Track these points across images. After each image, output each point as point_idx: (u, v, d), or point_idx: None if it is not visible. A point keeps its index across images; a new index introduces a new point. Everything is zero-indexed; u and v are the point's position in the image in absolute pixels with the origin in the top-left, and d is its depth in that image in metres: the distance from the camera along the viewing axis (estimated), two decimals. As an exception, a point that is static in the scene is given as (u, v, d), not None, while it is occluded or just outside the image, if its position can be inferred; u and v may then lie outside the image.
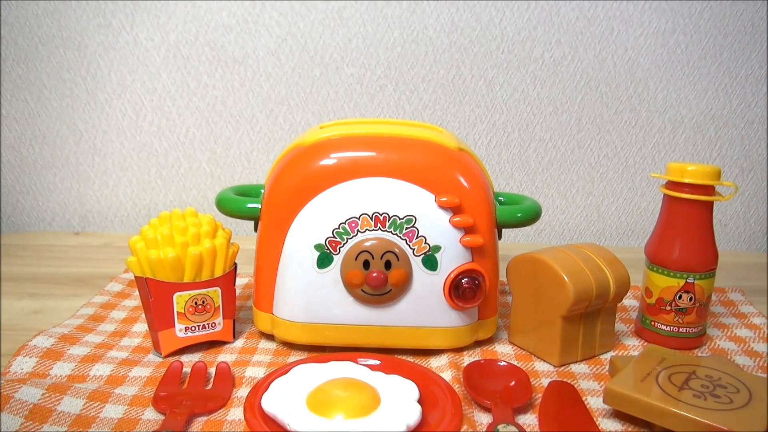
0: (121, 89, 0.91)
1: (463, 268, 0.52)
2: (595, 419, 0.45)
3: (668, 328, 0.56)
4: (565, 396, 0.47)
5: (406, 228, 0.51)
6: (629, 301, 0.68)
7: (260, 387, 0.45)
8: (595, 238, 0.98)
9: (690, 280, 0.55)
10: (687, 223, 0.55)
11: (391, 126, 0.56)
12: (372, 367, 0.48)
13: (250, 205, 0.55)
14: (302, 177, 0.52)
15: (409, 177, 0.51)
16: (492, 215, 0.53)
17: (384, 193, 0.51)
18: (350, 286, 0.51)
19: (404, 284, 0.51)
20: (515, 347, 0.57)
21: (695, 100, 0.93)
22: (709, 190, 0.54)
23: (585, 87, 0.92)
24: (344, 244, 0.51)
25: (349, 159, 0.52)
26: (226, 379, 0.49)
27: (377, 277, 0.50)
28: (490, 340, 0.58)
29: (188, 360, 0.52)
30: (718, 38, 0.90)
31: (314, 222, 0.51)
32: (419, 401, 0.44)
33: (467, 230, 0.52)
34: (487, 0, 0.88)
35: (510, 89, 0.92)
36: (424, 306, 0.52)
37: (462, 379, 0.48)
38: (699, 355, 0.56)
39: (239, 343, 0.56)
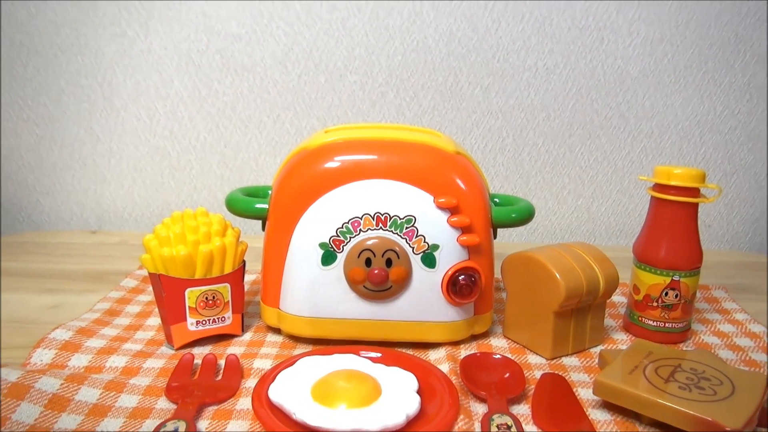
0: (136, 95, 0.91)
1: (460, 265, 0.52)
2: (585, 410, 0.45)
3: (655, 324, 0.56)
4: (556, 387, 0.47)
5: (406, 227, 0.51)
6: (618, 298, 0.68)
7: (267, 378, 0.45)
8: (586, 237, 0.98)
9: (676, 277, 0.55)
10: (673, 223, 0.55)
11: (392, 130, 0.56)
12: (373, 360, 0.48)
13: (258, 206, 0.55)
14: (307, 179, 0.52)
15: (409, 179, 0.51)
16: (488, 215, 0.53)
17: (385, 194, 0.51)
18: (353, 283, 0.51)
19: (404, 281, 0.51)
20: (509, 341, 0.57)
21: (681, 106, 0.93)
22: (694, 192, 0.54)
23: (576, 94, 0.92)
24: (347, 242, 0.51)
25: (352, 162, 0.52)
26: (235, 370, 0.49)
27: (378, 274, 0.50)
28: (485, 334, 0.58)
29: (199, 352, 0.52)
30: (703, 48, 0.90)
31: (319, 221, 0.51)
32: (418, 392, 0.44)
33: (464, 230, 0.52)
34: (483, 11, 0.88)
35: (505, 96, 0.92)
36: (423, 302, 0.52)
37: (459, 371, 0.48)
38: (684, 349, 0.56)
39: (247, 336, 0.57)
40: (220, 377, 0.48)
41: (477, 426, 0.42)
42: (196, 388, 0.46)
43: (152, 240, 0.52)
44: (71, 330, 0.54)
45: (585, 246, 0.55)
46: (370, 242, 0.51)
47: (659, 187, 0.55)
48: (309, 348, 0.54)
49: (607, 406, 0.45)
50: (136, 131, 0.93)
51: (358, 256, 0.51)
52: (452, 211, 0.51)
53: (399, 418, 0.40)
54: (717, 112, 0.93)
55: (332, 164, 0.52)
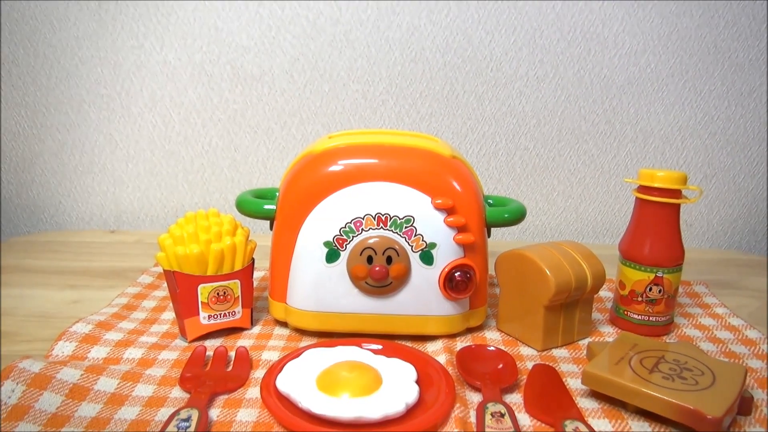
0: (152, 103, 0.91)
1: (456, 263, 0.51)
2: (574, 398, 0.44)
3: (639, 317, 0.56)
4: (547, 377, 0.47)
5: (406, 227, 0.51)
6: (604, 293, 0.68)
7: (275, 369, 0.45)
8: (574, 236, 0.98)
9: (659, 274, 0.55)
10: (656, 222, 0.55)
11: (392, 136, 0.56)
12: (375, 351, 0.48)
13: (266, 207, 0.55)
14: (313, 181, 0.52)
15: (408, 181, 0.51)
16: (482, 216, 0.53)
17: (385, 196, 0.51)
18: (355, 279, 0.51)
19: (404, 277, 0.51)
20: (503, 334, 0.56)
21: (664, 113, 0.92)
22: (676, 193, 0.54)
23: (565, 102, 0.92)
24: (350, 241, 0.51)
25: (355, 165, 0.52)
26: (245, 361, 0.48)
27: (379, 270, 0.50)
28: (480, 328, 0.57)
29: (211, 344, 0.52)
30: (684, 58, 0.90)
31: (323, 221, 0.51)
32: (417, 382, 0.44)
33: (460, 229, 0.52)
34: (477, 25, 0.88)
35: (498, 103, 0.92)
36: (422, 297, 0.52)
37: (455, 362, 0.48)
38: (667, 341, 0.56)
39: (256, 329, 0.56)
40: (230, 368, 0.48)
41: (472, 414, 0.42)
42: (208, 378, 0.45)
43: (167, 239, 0.52)
44: (91, 324, 0.53)
45: (573, 244, 0.55)
46: (371, 241, 0.51)
47: (643, 188, 0.55)
48: (314, 340, 0.54)
49: (595, 395, 0.45)
50: (152, 137, 0.93)
51: (360, 254, 0.50)
52: (449, 211, 0.51)
53: (399, 407, 0.40)
54: (697, 119, 0.93)
55: (336, 168, 0.52)
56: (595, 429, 0.40)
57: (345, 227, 0.51)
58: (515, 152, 0.94)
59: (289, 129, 0.93)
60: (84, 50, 0.88)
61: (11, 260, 0.76)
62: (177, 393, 0.44)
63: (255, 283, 0.66)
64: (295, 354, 0.47)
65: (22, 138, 0.92)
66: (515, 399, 0.44)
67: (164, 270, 0.52)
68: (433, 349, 0.52)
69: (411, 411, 0.41)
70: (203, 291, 0.52)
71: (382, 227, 0.51)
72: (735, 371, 0.43)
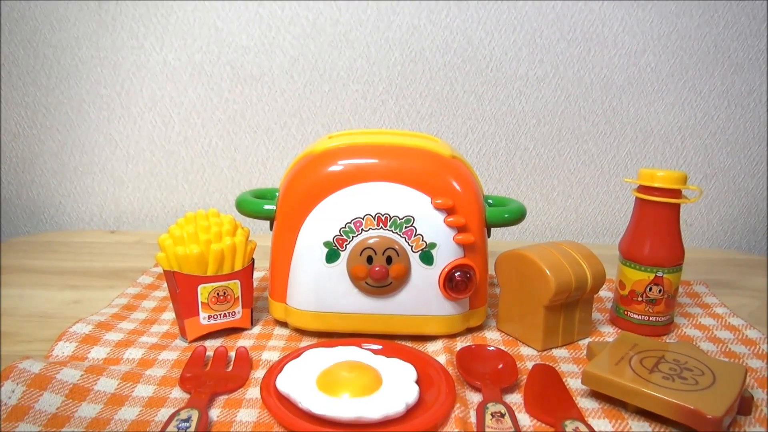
0: (152, 103, 0.91)
1: (456, 263, 0.51)
2: (574, 398, 0.44)
3: (640, 317, 0.56)
4: (547, 377, 0.47)
5: (405, 227, 0.51)
6: (605, 293, 0.68)
7: (275, 369, 0.45)
8: (574, 236, 0.98)
9: (659, 273, 0.54)
10: (656, 222, 0.55)
11: (392, 136, 0.56)
12: (375, 352, 0.48)
13: (266, 207, 0.55)
14: (313, 181, 0.52)
15: (408, 181, 0.51)
16: (482, 216, 0.53)
17: (385, 196, 0.51)
18: (355, 279, 0.51)
19: (403, 277, 0.51)
20: (503, 334, 0.56)
21: (663, 113, 0.92)
22: (676, 193, 0.54)
23: (565, 101, 0.92)
24: (350, 241, 0.51)
25: (355, 165, 0.52)
26: (245, 361, 0.48)
27: (379, 271, 0.50)
28: (480, 328, 0.57)
29: (211, 345, 0.52)
30: (683, 58, 0.90)
31: (323, 221, 0.51)
32: (417, 382, 0.44)
33: (460, 229, 0.52)
34: (477, 24, 0.88)
35: (498, 103, 0.92)
36: (422, 297, 0.52)
37: (455, 362, 0.48)
38: (667, 341, 0.55)
39: (256, 329, 0.56)
40: (230, 368, 0.48)
41: (472, 414, 0.42)
42: (208, 378, 0.45)
43: (167, 239, 0.52)
44: (91, 324, 0.53)
45: (573, 244, 0.55)
46: (371, 241, 0.50)
47: (643, 188, 0.55)
48: (314, 341, 0.54)
49: (595, 395, 0.45)
50: (152, 137, 0.93)
51: (360, 254, 0.50)
52: (448, 211, 0.51)
53: (399, 407, 0.40)
54: (697, 118, 0.93)
55: (336, 168, 0.52)
56: (595, 429, 0.40)
57: (345, 227, 0.51)
58: (515, 152, 0.94)
59: (289, 129, 0.93)
60: (84, 50, 0.88)
61: (11, 260, 0.76)
62: (177, 393, 0.44)
63: (255, 283, 0.66)
64: (295, 354, 0.47)
65: (22, 138, 0.92)
66: (515, 399, 0.44)
67: (164, 270, 0.52)
68: (433, 349, 0.52)
69: (411, 411, 0.41)
70: (203, 291, 0.52)
71: (382, 227, 0.51)
72: (735, 371, 0.43)
